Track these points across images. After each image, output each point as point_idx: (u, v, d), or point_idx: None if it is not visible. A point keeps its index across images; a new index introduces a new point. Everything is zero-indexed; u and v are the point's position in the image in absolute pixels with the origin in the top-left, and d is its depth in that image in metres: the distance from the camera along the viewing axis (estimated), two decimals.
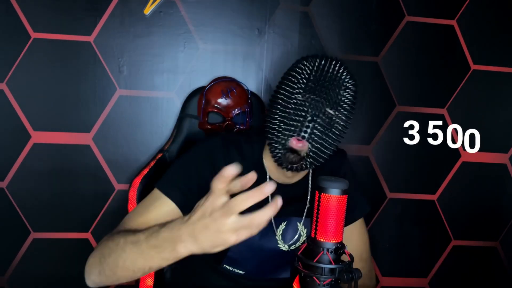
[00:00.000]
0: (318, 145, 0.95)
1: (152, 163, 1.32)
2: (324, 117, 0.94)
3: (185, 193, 0.97)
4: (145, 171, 1.28)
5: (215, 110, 1.34)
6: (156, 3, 1.45)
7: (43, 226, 1.50)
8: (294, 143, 0.94)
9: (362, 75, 1.54)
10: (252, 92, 1.41)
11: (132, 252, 0.78)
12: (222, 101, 1.34)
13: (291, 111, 0.94)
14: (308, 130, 0.93)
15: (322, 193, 0.75)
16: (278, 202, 0.65)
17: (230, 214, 0.65)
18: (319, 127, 0.94)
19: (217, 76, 1.45)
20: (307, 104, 0.94)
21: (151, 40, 1.47)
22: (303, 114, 0.93)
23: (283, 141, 0.95)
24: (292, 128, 0.94)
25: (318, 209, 0.76)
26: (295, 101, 0.94)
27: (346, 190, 0.76)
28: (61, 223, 1.50)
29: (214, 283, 1.10)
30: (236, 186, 0.67)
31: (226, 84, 1.36)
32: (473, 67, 1.63)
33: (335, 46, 1.55)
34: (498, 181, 1.71)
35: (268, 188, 0.63)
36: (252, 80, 1.52)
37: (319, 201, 0.76)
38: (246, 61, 1.52)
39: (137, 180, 1.25)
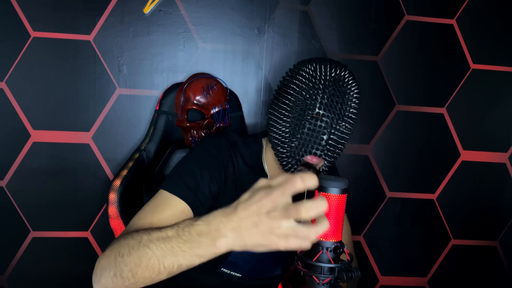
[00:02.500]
0: (332, 159, 0.98)
1: (130, 164, 1.28)
2: (336, 132, 0.95)
3: (195, 192, 0.95)
4: (124, 173, 1.25)
5: (194, 107, 1.31)
6: (155, 2, 1.45)
7: (43, 225, 1.50)
8: (309, 158, 0.96)
9: (362, 75, 1.54)
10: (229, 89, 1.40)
11: (159, 249, 0.70)
12: (203, 98, 1.30)
13: (305, 130, 0.95)
14: (322, 148, 0.95)
15: (322, 192, 0.75)
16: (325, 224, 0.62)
17: (290, 218, 0.59)
18: (332, 143, 0.96)
19: (196, 73, 1.43)
20: (322, 124, 0.95)
21: (150, 39, 1.47)
22: (319, 131, 0.95)
23: (297, 157, 0.96)
24: (309, 146, 0.95)
25: None
26: (308, 117, 0.95)
27: (346, 189, 0.75)
28: (61, 222, 1.50)
29: (207, 284, 1.09)
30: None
31: (206, 81, 1.32)
32: (473, 66, 1.63)
33: (334, 45, 1.55)
34: (497, 180, 1.71)
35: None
36: (252, 79, 1.52)
37: None
38: (245, 60, 1.52)
39: (117, 182, 1.21)
